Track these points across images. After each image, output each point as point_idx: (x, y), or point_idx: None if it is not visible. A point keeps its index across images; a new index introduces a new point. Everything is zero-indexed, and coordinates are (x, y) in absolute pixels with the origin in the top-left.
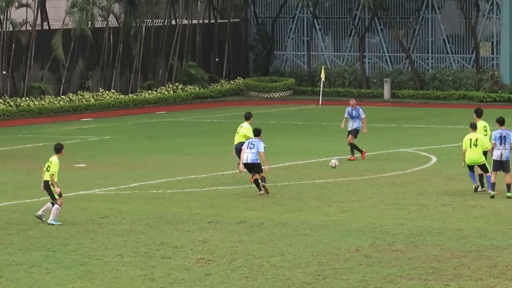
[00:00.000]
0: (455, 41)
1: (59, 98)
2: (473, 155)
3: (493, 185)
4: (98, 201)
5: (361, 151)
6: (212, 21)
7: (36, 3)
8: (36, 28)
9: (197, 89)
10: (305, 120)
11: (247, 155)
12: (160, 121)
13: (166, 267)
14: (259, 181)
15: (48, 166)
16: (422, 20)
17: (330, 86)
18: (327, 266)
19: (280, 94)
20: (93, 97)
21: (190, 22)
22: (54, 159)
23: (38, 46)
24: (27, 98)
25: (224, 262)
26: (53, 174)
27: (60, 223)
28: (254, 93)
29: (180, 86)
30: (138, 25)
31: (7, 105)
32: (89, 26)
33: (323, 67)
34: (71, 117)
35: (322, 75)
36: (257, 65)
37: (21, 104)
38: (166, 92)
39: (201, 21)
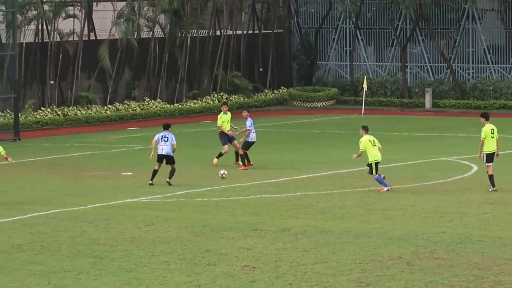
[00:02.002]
0: (495, 51)
1: (105, 107)
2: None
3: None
4: (145, 209)
5: (248, 162)
6: (256, 31)
7: (83, 14)
8: (83, 39)
9: (242, 99)
10: (348, 129)
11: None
12: (205, 130)
13: (211, 274)
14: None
15: None
16: (462, 30)
17: (372, 95)
18: (370, 273)
19: (323, 103)
20: (139, 107)
21: (234, 33)
22: None
23: (85, 56)
24: (74, 108)
25: (268, 269)
26: None
27: None
28: (297, 103)
29: (225, 95)
30: (183, 35)
31: (54, 114)
32: (135, 36)
33: (365, 77)
34: (117, 126)
35: (365, 85)
36: (301, 75)
37: (69, 113)
38: (211, 102)
39: (245, 32)
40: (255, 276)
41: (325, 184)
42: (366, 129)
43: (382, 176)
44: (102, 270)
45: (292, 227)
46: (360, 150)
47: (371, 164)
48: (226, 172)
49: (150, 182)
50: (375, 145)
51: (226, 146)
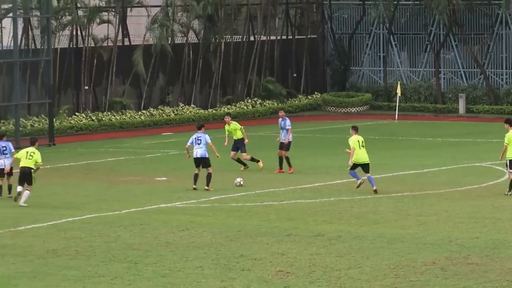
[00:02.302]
0: None
1: (140, 112)
2: None
3: None
4: (179, 214)
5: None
6: (290, 37)
7: (117, 19)
8: (118, 44)
9: (275, 104)
10: (382, 134)
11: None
12: None
13: (245, 279)
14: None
15: (31, 155)
16: (496, 36)
17: (406, 101)
18: (403, 278)
19: (357, 109)
20: (173, 112)
21: (268, 38)
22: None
23: (119, 62)
24: (109, 113)
25: (302, 274)
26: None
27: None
28: (331, 108)
29: (259, 101)
30: (217, 41)
31: (89, 119)
32: (169, 42)
33: (399, 82)
34: (151, 131)
35: (398, 91)
36: (334, 80)
37: (103, 118)
38: (245, 107)
39: (279, 37)
40: (289, 281)
41: (360, 189)
42: (356, 129)
43: (361, 181)
44: (137, 275)
45: (326, 232)
46: (352, 147)
47: (354, 163)
48: (241, 180)
49: (194, 186)
50: (363, 147)
51: (233, 153)
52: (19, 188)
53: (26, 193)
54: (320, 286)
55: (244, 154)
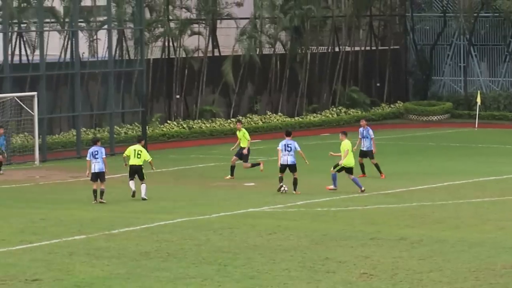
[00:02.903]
0: None
1: (229, 120)
2: None
3: None
4: (267, 218)
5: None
6: (374, 48)
7: (208, 31)
8: (208, 55)
9: (359, 113)
10: (462, 142)
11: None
12: (324, 142)
13: (330, 281)
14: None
15: (139, 153)
16: None
17: (485, 110)
18: (483, 281)
19: (438, 117)
20: (261, 120)
21: (352, 49)
22: (143, 148)
23: (209, 72)
24: (199, 121)
25: (385, 276)
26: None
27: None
28: (413, 116)
29: (343, 109)
30: (303, 52)
31: (180, 127)
32: (257, 52)
33: (479, 91)
34: None
35: (478, 100)
36: (416, 89)
37: (194, 126)
38: (330, 115)
39: (363, 48)
40: (372, 283)
41: (441, 195)
42: (345, 134)
43: (336, 187)
44: (226, 277)
45: (408, 236)
46: (346, 149)
47: (342, 166)
48: (285, 188)
49: (283, 185)
50: (352, 151)
51: (235, 158)
52: (131, 184)
53: (143, 186)
54: None
55: (245, 163)
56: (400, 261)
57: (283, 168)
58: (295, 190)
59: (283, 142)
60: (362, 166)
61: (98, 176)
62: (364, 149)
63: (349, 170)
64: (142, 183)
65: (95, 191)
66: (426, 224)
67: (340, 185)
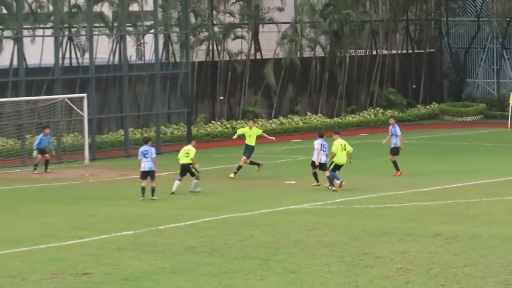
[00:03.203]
0: None
1: (271, 121)
2: None
3: None
4: (307, 215)
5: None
6: (410, 51)
7: (250, 35)
8: (250, 58)
9: (396, 113)
10: (495, 142)
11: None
12: (362, 142)
13: (369, 275)
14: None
15: (187, 153)
16: None
17: None
18: None
19: (472, 118)
20: (301, 120)
21: (389, 52)
22: (192, 148)
23: (251, 74)
24: (242, 121)
25: (421, 271)
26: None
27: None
28: (448, 117)
29: (381, 110)
30: (342, 55)
31: (224, 127)
32: (298, 55)
33: (511, 93)
34: (282, 139)
35: (511, 101)
36: (451, 91)
37: (237, 126)
38: (368, 116)
39: (399, 51)
40: (409, 278)
41: (474, 193)
42: (338, 133)
43: (341, 180)
44: (268, 271)
45: (443, 233)
46: (333, 152)
47: (335, 163)
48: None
49: (334, 186)
50: (345, 149)
51: (245, 158)
52: (177, 183)
53: (194, 181)
54: (438, 282)
55: (245, 158)
56: (436, 256)
57: (314, 164)
58: (331, 186)
59: (320, 141)
60: (395, 163)
61: (147, 175)
62: (392, 145)
63: (339, 168)
64: (194, 179)
65: (143, 189)
66: (460, 221)
67: (378, 184)
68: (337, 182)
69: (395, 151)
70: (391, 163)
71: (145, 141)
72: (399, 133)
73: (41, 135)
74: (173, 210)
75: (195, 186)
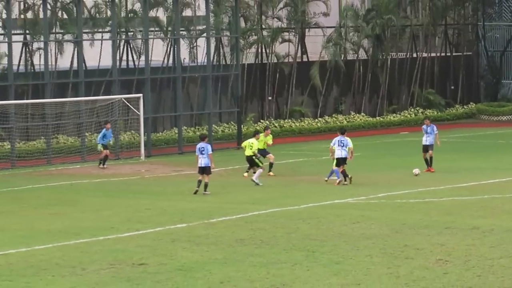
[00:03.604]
0: None
1: (316, 120)
2: None
3: None
4: (351, 209)
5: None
6: (448, 54)
7: (297, 38)
8: (297, 60)
9: (435, 113)
10: None
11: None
12: (403, 140)
13: (409, 266)
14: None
15: (251, 145)
16: None
17: None
18: None
19: (508, 117)
20: (345, 119)
21: (429, 55)
22: (255, 141)
23: (298, 76)
24: (289, 120)
25: (459, 262)
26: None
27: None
28: (484, 117)
29: (421, 110)
30: (384, 57)
31: (272, 126)
32: (342, 58)
33: None
34: (327, 137)
35: None
36: (487, 92)
37: (284, 125)
38: (408, 115)
39: (438, 54)
40: (447, 269)
41: (510, 188)
42: (342, 131)
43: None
44: (314, 262)
45: (480, 226)
46: (332, 148)
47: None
48: (418, 172)
49: (339, 180)
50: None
51: (270, 155)
52: (259, 171)
53: (259, 170)
54: (475, 273)
55: (270, 155)
56: (473, 249)
57: (338, 161)
58: (345, 180)
59: (337, 138)
60: (426, 161)
61: (203, 170)
62: (427, 143)
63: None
64: (258, 168)
65: (199, 181)
66: (496, 215)
67: (417, 179)
68: (336, 179)
69: (431, 148)
70: (425, 160)
71: (202, 138)
72: (436, 131)
73: (104, 129)
74: (224, 204)
75: (258, 176)
